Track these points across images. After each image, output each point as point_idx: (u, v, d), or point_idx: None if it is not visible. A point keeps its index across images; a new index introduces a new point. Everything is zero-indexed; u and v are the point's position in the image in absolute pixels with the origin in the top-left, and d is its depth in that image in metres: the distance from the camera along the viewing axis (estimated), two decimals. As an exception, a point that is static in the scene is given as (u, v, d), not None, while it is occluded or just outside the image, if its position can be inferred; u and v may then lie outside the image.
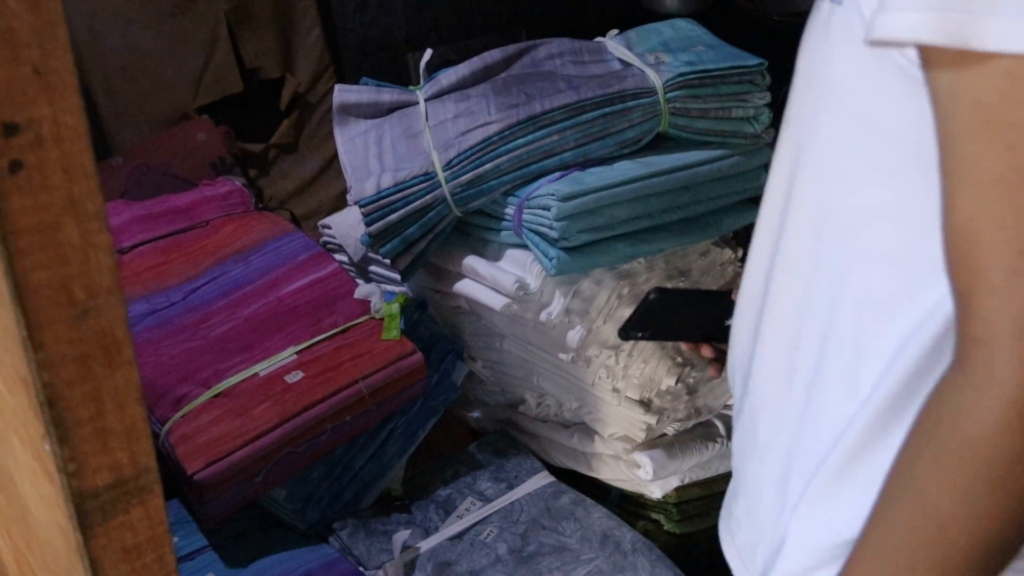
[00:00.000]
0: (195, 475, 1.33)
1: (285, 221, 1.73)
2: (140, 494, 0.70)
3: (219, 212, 1.75)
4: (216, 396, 1.43)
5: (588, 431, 1.56)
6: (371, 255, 1.72)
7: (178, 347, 1.50)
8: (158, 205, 1.76)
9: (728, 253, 1.57)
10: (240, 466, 1.35)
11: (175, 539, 1.43)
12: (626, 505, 1.58)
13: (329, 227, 1.80)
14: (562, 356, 1.41)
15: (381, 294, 1.55)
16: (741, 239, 1.60)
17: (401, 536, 1.41)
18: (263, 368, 1.46)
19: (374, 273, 1.72)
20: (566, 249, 1.33)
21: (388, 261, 1.54)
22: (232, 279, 1.61)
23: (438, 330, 1.61)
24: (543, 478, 1.55)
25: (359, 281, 1.59)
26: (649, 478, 1.46)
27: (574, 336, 1.39)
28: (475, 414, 1.74)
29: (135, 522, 0.70)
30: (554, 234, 1.32)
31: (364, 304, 1.54)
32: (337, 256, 1.76)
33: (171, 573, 0.71)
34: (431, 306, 1.63)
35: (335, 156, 2.72)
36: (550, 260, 1.33)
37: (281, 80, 2.60)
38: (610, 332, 1.43)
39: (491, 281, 1.42)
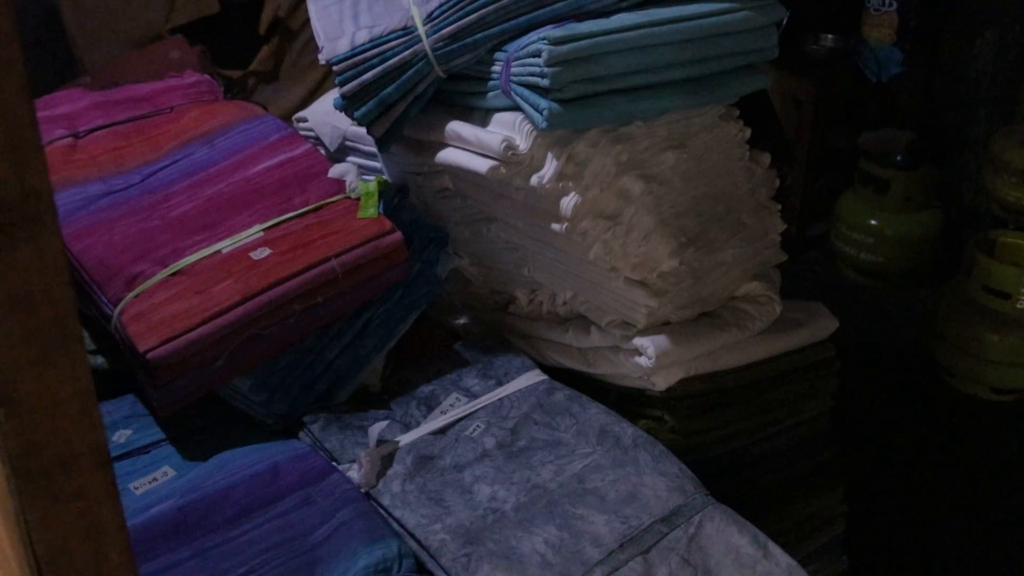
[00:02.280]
0: (147, 353, 1.20)
1: (256, 107, 1.59)
2: (29, 226, 0.57)
3: (185, 100, 1.62)
4: (174, 275, 1.29)
5: (584, 324, 1.43)
6: (349, 143, 1.59)
7: (134, 227, 1.37)
8: (119, 93, 1.63)
9: (735, 128, 1.44)
10: (198, 346, 1.22)
11: (128, 432, 1.30)
12: (626, 405, 1.45)
13: (305, 119, 1.66)
14: (555, 227, 1.28)
15: (357, 172, 1.42)
16: (748, 117, 1.47)
17: (378, 427, 1.28)
18: (226, 245, 1.32)
19: (353, 163, 1.59)
20: (559, 101, 1.20)
21: (367, 135, 1.41)
22: (195, 161, 1.47)
23: (420, 217, 1.48)
24: (535, 375, 1.42)
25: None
26: (651, 364, 1.33)
27: (568, 203, 1.26)
28: (462, 320, 1.61)
29: (25, 264, 0.57)
30: (545, 83, 1.19)
31: (339, 183, 1.41)
32: (313, 149, 1.63)
33: (71, 336, 0.58)
34: (413, 194, 1.50)
35: (319, 86, 2.59)
36: (541, 113, 1.20)
37: (260, 2, 2.48)
38: (607, 202, 1.30)
39: (477, 144, 1.29)
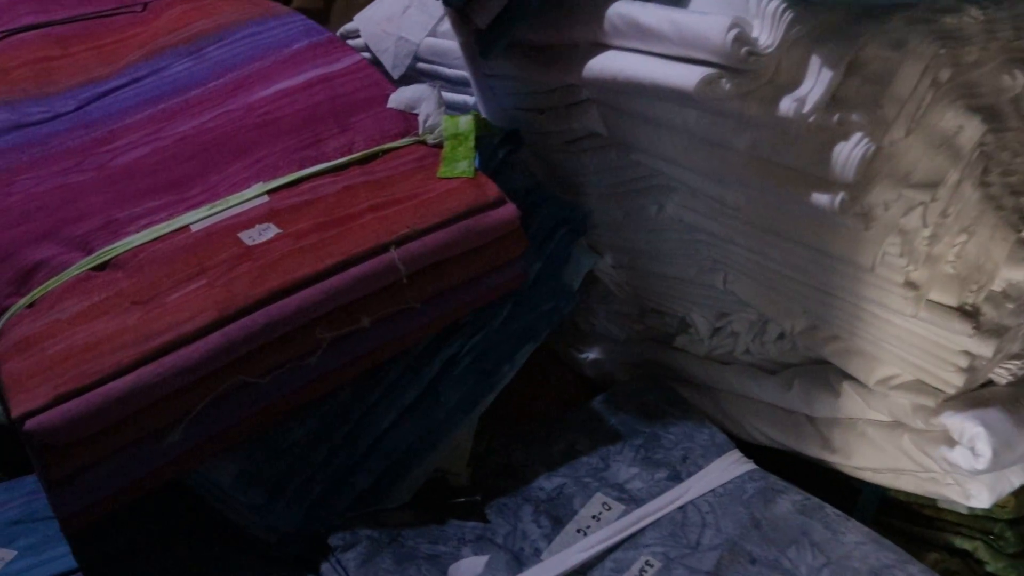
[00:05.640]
0: (27, 420, 0.61)
1: (278, 4, 1.00)
2: None
3: (168, -7, 1.03)
4: (100, 268, 0.71)
5: (825, 379, 0.81)
6: (424, 64, 0.99)
7: (49, 181, 0.78)
8: (69, -17, 1.06)
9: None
10: (130, 408, 0.63)
11: (10, 555, 0.71)
12: (895, 520, 0.83)
13: (355, 33, 1.07)
14: (819, 199, 0.66)
15: (438, 99, 0.82)
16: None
17: (469, 567, 0.68)
18: (200, 218, 0.73)
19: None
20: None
21: (455, 49, 0.82)
22: (169, 79, 0.89)
23: (541, 185, 0.87)
24: (735, 462, 0.81)
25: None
26: (981, 464, 0.70)
27: (849, 153, 0.64)
28: (590, 355, 1.01)
29: None
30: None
31: (407, 118, 0.82)
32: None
33: None
34: (529, 145, 0.90)
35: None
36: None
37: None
38: (919, 156, 0.68)
39: (674, 39, 0.67)
